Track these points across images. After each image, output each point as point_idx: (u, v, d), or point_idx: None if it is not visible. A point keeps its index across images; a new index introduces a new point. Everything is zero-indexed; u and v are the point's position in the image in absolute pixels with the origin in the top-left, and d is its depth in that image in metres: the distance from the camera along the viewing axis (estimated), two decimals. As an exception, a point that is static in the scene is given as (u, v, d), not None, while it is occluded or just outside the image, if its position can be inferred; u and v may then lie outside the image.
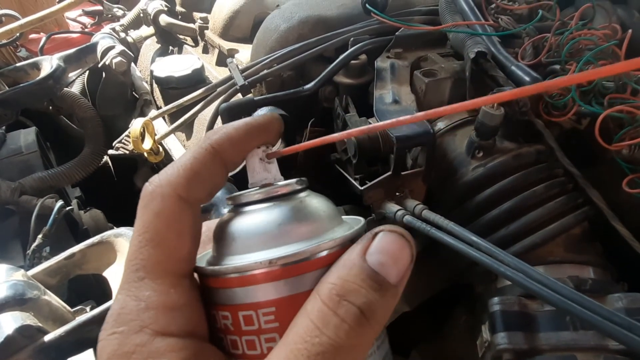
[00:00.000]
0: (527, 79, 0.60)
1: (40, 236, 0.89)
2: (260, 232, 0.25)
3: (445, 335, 0.66)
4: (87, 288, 0.85)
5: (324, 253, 0.24)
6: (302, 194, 0.28)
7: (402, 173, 0.57)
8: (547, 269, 0.52)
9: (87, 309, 0.68)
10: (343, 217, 0.29)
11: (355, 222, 0.28)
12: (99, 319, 0.53)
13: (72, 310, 0.63)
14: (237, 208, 0.27)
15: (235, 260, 0.25)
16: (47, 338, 0.51)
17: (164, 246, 0.24)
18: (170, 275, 0.24)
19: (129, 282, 0.24)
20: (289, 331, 0.22)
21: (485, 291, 0.56)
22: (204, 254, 0.29)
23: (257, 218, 0.26)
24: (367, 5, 0.78)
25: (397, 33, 0.75)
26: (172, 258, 0.25)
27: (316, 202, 0.27)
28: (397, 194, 0.58)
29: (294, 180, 0.28)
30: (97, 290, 0.82)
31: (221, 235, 0.27)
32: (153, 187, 0.25)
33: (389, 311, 0.23)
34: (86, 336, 0.53)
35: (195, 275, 0.27)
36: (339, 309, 0.21)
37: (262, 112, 0.68)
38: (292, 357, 0.21)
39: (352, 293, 0.22)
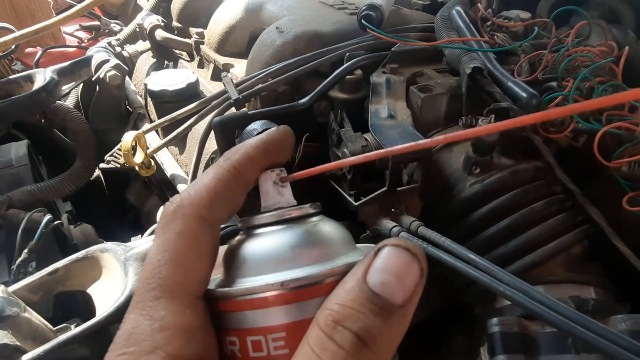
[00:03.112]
0: (524, 94, 0.60)
1: (25, 251, 0.86)
2: (272, 254, 0.25)
3: (442, 357, 0.64)
4: (73, 305, 0.82)
5: (337, 277, 0.23)
6: (315, 218, 0.27)
7: (398, 189, 0.56)
8: (547, 288, 0.50)
9: (72, 327, 0.66)
10: (357, 245, 0.28)
11: (369, 249, 0.27)
12: (80, 339, 0.51)
13: (54, 328, 0.61)
14: (249, 231, 0.27)
15: (246, 283, 0.24)
16: (26, 358, 0.49)
17: (184, 267, 0.24)
18: (187, 296, 0.24)
19: (144, 300, 0.23)
20: (292, 358, 0.21)
21: (484, 312, 0.54)
22: (212, 279, 0.28)
23: (269, 240, 0.26)
24: (362, 21, 0.78)
25: (393, 48, 0.75)
26: (191, 279, 0.24)
27: (329, 227, 0.27)
28: (393, 210, 0.56)
29: (307, 204, 0.28)
30: (84, 308, 0.79)
31: (231, 258, 0.26)
32: (175, 206, 0.25)
33: (396, 335, 0.21)
34: (66, 356, 0.50)
35: None
36: (335, 334, 0.20)
37: (255, 125, 0.67)
38: None
39: (349, 319, 0.21)
